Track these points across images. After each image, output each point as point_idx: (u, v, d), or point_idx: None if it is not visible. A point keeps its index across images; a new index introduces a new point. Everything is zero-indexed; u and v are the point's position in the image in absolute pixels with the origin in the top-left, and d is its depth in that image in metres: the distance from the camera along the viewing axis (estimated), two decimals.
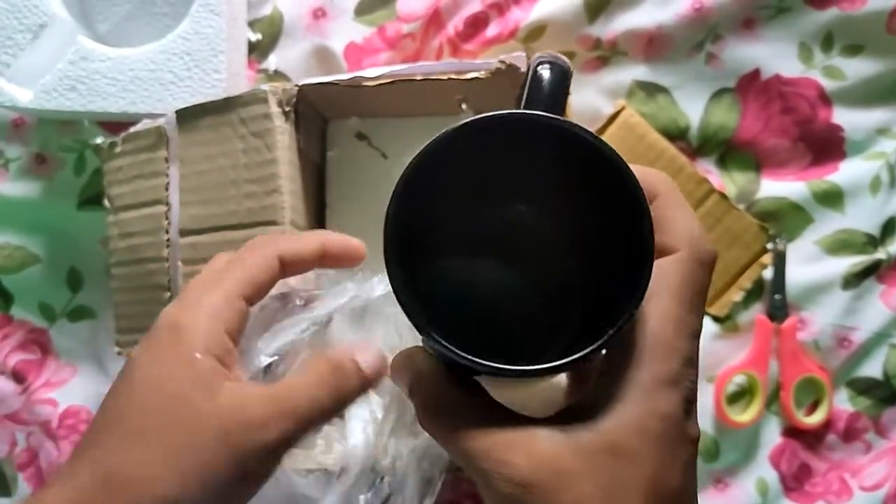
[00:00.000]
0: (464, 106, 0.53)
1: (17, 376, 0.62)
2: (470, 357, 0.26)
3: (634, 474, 0.27)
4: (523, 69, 0.47)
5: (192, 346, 0.33)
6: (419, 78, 0.50)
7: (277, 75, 0.62)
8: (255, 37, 0.62)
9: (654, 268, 0.27)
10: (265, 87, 0.50)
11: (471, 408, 0.29)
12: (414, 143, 0.28)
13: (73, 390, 0.62)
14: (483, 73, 0.49)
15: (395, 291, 0.28)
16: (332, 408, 0.34)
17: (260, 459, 0.33)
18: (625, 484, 0.27)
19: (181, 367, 0.33)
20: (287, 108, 0.50)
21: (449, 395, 0.30)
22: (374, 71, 0.50)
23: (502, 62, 0.48)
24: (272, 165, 0.50)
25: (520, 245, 0.33)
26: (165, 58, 0.56)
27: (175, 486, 0.32)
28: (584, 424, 0.27)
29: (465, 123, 0.28)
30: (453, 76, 0.50)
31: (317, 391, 0.34)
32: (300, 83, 0.51)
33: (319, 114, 0.58)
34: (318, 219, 0.58)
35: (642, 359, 0.28)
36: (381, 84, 0.50)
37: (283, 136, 0.50)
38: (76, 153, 0.62)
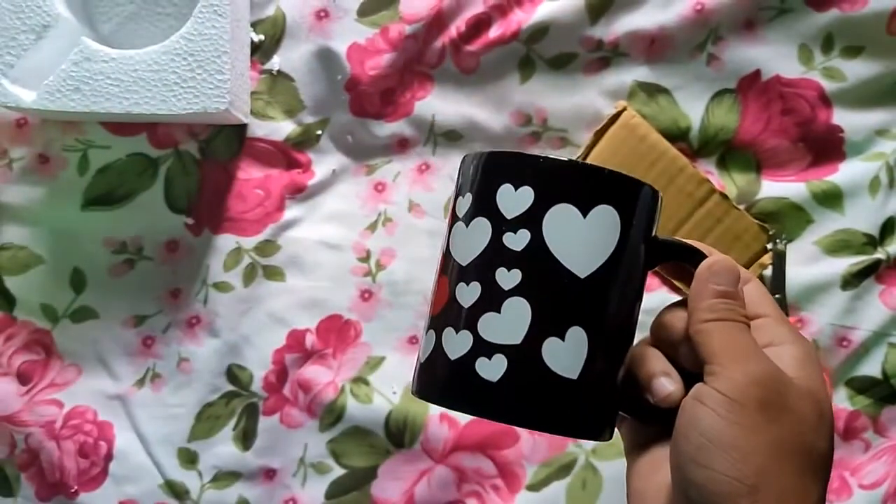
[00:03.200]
0: None
1: (23, 377, 0.62)
2: None
3: None
4: None
5: None
6: None
7: (280, 76, 0.62)
8: (258, 38, 0.62)
9: (750, 288, 0.38)
10: None
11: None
12: None
13: (77, 391, 0.62)
14: None
15: None
16: None
17: None
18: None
19: None
20: None
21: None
22: None
23: None
24: None
25: None
26: (169, 59, 0.56)
27: None
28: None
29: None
30: None
31: None
32: None
33: None
34: None
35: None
36: None
37: None
38: (80, 153, 0.62)
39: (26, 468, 0.62)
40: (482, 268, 0.37)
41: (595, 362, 0.36)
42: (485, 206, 0.37)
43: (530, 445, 0.62)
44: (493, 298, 0.36)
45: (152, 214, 0.62)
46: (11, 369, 0.62)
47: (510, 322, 0.36)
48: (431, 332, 0.39)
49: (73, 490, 0.61)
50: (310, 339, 0.62)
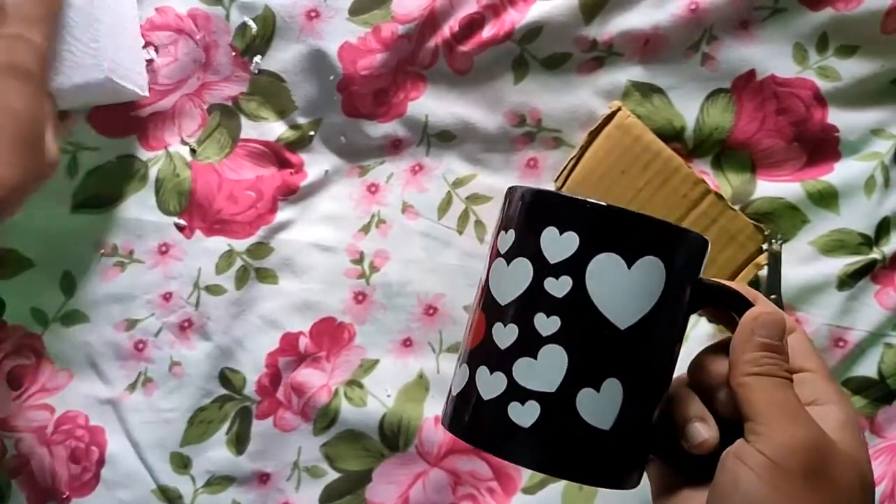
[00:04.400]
0: None
1: (13, 382, 0.61)
2: None
3: None
4: None
5: None
6: None
7: (271, 75, 0.62)
8: (253, 27, 0.61)
9: (795, 338, 0.38)
10: None
11: None
12: None
13: (69, 396, 0.62)
14: None
15: None
16: None
17: None
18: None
19: None
20: None
21: None
22: None
23: None
24: None
25: None
26: None
27: None
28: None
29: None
30: None
31: None
32: None
33: None
34: None
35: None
36: None
37: None
38: (69, 155, 0.61)
39: (17, 474, 0.62)
40: (521, 310, 0.36)
41: (629, 413, 0.36)
42: (528, 246, 0.36)
43: None
44: (530, 343, 0.36)
45: (143, 217, 0.62)
46: (1, 374, 0.62)
47: (546, 369, 0.35)
48: (465, 366, 0.38)
49: (64, 496, 0.61)
50: (303, 342, 0.62)
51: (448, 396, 0.40)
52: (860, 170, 0.61)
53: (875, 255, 0.62)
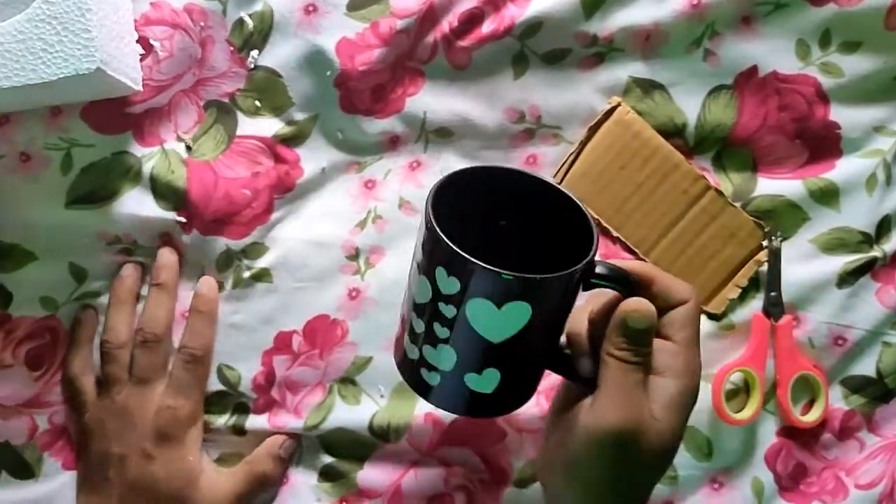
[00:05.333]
0: None
1: (32, 364, 0.61)
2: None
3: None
4: None
5: None
6: None
7: (268, 71, 0.61)
8: (249, 22, 0.60)
9: (681, 311, 0.46)
10: None
11: None
12: None
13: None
14: None
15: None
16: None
17: None
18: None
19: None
20: None
21: None
22: None
23: None
24: None
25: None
26: (33, 26, 0.53)
27: None
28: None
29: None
30: None
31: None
32: None
33: None
34: None
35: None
36: None
37: None
38: (63, 151, 0.61)
39: (50, 446, 0.62)
40: (425, 314, 0.45)
41: (507, 383, 0.46)
42: (428, 272, 0.43)
43: (517, 443, 0.61)
44: (432, 339, 0.45)
45: (141, 212, 0.61)
46: (18, 359, 0.61)
47: (441, 358, 0.46)
48: (400, 324, 0.50)
49: None
50: (296, 341, 0.61)
51: (398, 331, 0.50)
52: (862, 167, 0.61)
53: (875, 252, 0.61)
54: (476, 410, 0.49)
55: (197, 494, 0.57)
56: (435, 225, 0.42)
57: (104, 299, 0.62)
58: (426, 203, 0.44)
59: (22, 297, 0.61)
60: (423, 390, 0.48)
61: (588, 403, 0.45)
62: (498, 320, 0.43)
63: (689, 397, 0.45)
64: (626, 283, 0.45)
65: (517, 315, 0.43)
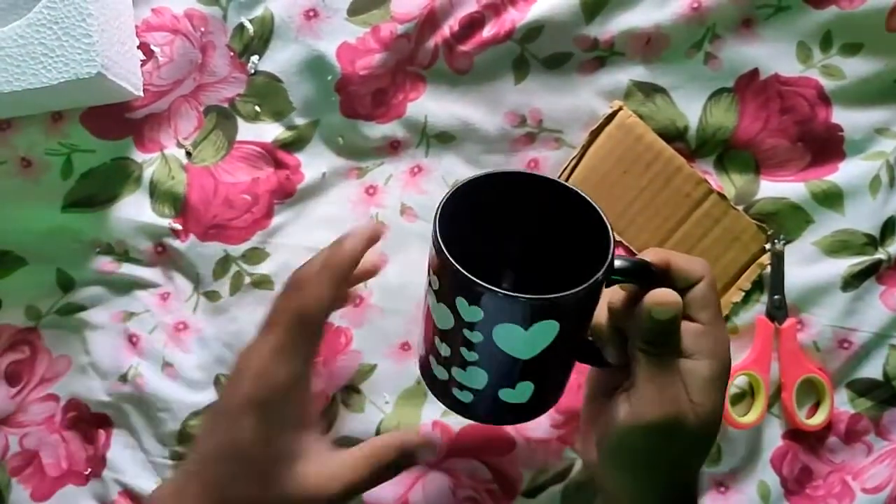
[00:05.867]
0: None
1: (11, 378, 0.61)
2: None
3: None
4: None
5: None
6: None
7: (268, 76, 0.61)
8: (250, 28, 0.60)
9: (699, 289, 0.45)
10: None
11: None
12: None
13: (71, 382, 0.61)
14: None
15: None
16: None
17: None
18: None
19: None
20: None
21: None
22: None
23: None
24: None
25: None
26: (34, 30, 0.54)
27: None
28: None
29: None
30: None
31: None
32: None
33: None
34: None
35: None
36: None
37: None
38: (63, 157, 0.61)
39: (19, 472, 0.61)
40: (451, 339, 0.44)
41: (541, 391, 0.46)
42: (449, 301, 0.42)
43: (526, 452, 0.61)
44: (460, 361, 0.45)
45: (137, 218, 0.61)
46: None
47: (473, 378, 0.45)
48: (423, 345, 0.48)
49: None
50: None
51: (420, 346, 0.50)
52: (865, 169, 0.61)
53: (880, 255, 0.61)
54: (514, 419, 0.49)
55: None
56: (448, 255, 0.41)
57: (85, 315, 0.61)
58: (434, 229, 0.42)
59: (9, 303, 0.61)
60: (460, 409, 0.48)
61: (624, 399, 0.45)
62: (526, 340, 0.42)
63: (723, 374, 0.45)
64: (648, 276, 0.44)
65: (545, 332, 0.42)
